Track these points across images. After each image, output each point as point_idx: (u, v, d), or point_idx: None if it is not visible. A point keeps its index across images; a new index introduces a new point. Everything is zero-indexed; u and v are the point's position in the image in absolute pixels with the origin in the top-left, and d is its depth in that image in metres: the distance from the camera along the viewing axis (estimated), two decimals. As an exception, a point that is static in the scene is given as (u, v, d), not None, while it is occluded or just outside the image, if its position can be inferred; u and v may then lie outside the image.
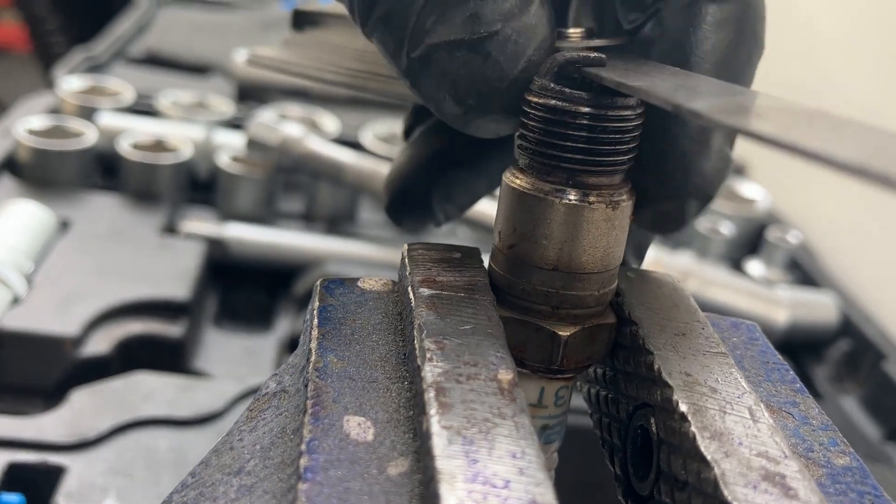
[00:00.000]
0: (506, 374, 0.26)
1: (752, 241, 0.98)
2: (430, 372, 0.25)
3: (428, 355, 0.26)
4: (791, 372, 0.31)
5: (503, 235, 0.30)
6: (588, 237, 0.29)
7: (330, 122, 0.98)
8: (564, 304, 0.30)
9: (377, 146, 0.94)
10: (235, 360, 0.71)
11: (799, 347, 0.83)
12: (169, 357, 0.67)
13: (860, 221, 0.96)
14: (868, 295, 0.92)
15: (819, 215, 1.03)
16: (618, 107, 0.28)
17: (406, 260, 0.31)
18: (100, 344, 0.64)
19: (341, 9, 0.38)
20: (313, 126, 0.97)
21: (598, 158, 0.29)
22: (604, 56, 0.28)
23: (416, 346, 0.26)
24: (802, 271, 0.93)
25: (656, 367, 0.28)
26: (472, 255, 0.32)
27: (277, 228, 0.85)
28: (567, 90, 0.28)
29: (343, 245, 0.83)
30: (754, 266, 0.93)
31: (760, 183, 1.11)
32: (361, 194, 0.89)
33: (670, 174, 0.32)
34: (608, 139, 0.29)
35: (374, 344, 0.29)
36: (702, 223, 0.90)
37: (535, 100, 0.29)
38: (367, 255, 0.82)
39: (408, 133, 0.40)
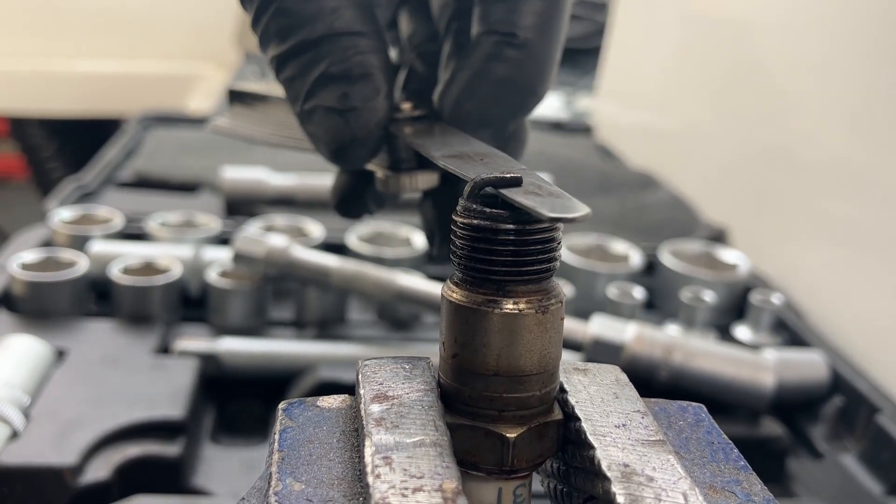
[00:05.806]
0: (450, 484, 0.27)
1: (737, 305, 0.99)
2: (378, 489, 0.27)
3: (376, 472, 0.27)
4: (735, 450, 0.33)
5: (447, 346, 0.32)
6: (523, 342, 0.31)
7: (315, 227, 1.01)
8: (509, 406, 0.32)
9: (362, 247, 0.96)
10: (235, 474, 0.72)
11: (793, 408, 0.84)
12: (168, 477, 0.68)
13: (841, 277, 0.98)
14: (856, 348, 0.93)
15: (801, 274, 1.05)
16: (537, 220, 0.31)
17: (359, 377, 0.33)
18: (99, 471, 0.65)
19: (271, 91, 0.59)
20: (300, 233, 1.00)
21: (524, 269, 0.31)
22: (520, 176, 0.31)
23: (366, 462, 0.28)
24: (790, 331, 0.94)
25: (596, 460, 0.29)
26: (420, 365, 0.34)
27: (269, 338, 0.87)
28: (488, 210, 0.31)
29: (334, 348, 0.84)
30: (742, 331, 0.94)
31: (740, 248, 1.13)
32: (349, 296, 0.91)
33: None
34: (532, 250, 0.31)
35: (330, 463, 0.30)
36: (685, 293, 0.91)
37: (461, 220, 0.31)
38: (358, 355, 0.83)
39: None
